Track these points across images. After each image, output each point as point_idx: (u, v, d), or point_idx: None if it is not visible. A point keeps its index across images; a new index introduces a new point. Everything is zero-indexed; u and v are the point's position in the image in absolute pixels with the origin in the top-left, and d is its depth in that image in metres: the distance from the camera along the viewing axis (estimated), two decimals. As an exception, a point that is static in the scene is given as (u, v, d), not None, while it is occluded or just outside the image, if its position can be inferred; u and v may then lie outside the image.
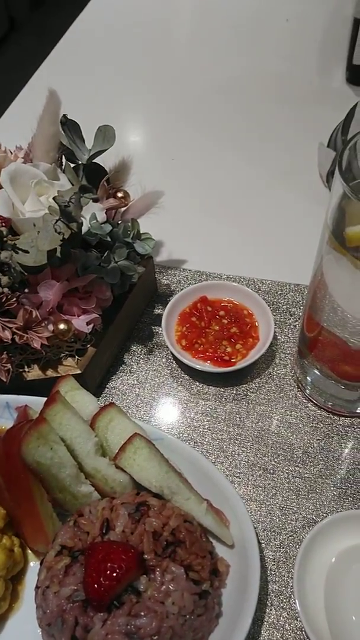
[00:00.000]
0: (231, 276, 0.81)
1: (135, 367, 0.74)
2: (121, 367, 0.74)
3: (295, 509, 0.61)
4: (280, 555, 0.58)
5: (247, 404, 0.69)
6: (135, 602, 0.46)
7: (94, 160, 0.70)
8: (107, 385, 0.72)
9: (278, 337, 0.75)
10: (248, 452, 0.65)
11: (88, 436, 0.56)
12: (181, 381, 0.72)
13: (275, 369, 0.72)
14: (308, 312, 0.62)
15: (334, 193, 0.48)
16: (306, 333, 0.64)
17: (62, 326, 0.63)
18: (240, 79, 1.15)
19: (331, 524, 0.55)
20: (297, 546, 0.58)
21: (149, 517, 0.50)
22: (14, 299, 0.62)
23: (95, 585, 0.45)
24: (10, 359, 0.63)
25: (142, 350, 0.75)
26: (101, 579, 0.45)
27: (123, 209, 0.73)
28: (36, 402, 0.61)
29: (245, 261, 0.84)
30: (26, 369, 0.66)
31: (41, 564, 0.51)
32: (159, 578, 0.47)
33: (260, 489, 0.63)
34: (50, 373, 0.65)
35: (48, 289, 0.63)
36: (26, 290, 0.64)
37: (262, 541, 0.59)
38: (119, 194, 0.72)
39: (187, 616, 0.47)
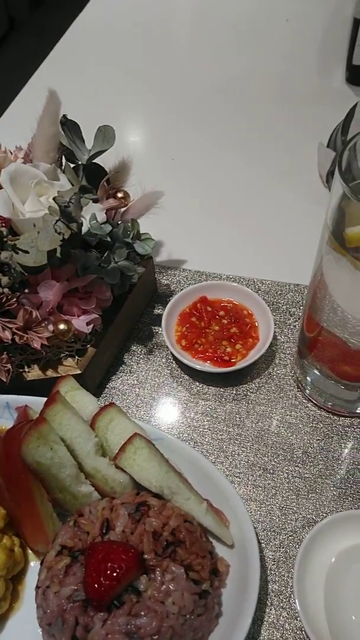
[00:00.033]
0: (231, 276, 0.81)
1: (135, 367, 0.74)
2: (121, 367, 0.74)
3: (295, 509, 0.61)
4: (280, 555, 0.58)
5: (247, 404, 0.69)
6: (135, 602, 0.46)
7: (93, 161, 0.70)
8: (107, 386, 0.72)
9: (278, 337, 0.75)
10: (248, 452, 0.66)
11: (88, 436, 0.56)
12: (181, 381, 0.72)
13: (275, 369, 0.72)
14: (308, 313, 0.62)
15: (333, 193, 0.48)
16: (306, 333, 0.64)
17: (62, 326, 0.63)
18: (240, 79, 1.15)
19: (331, 524, 0.55)
20: (297, 546, 0.58)
21: (149, 517, 0.50)
22: (14, 299, 0.62)
23: (96, 585, 0.45)
24: (11, 359, 0.63)
25: (142, 350, 0.75)
26: (101, 579, 0.45)
27: (123, 209, 0.73)
28: (36, 402, 0.61)
29: (245, 261, 0.84)
30: (26, 369, 0.66)
31: (41, 563, 0.52)
32: (159, 578, 0.48)
33: (260, 489, 0.63)
34: (50, 373, 0.65)
35: (48, 289, 0.64)
36: (26, 291, 0.64)
37: (262, 541, 0.59)
38: (119, 194, 0.72)
39: (187, 616, 0.47)
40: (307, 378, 0.68)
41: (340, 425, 0.67)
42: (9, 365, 0.62)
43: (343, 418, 0.68)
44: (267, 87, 1.13)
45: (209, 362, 0.70)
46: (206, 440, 0.67)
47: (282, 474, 0.64)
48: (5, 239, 0.62)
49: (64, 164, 0.72)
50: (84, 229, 0.65)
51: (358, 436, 0.66)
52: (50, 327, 0.64)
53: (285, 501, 0.62)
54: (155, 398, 0.71)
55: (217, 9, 1.34)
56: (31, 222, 0.63)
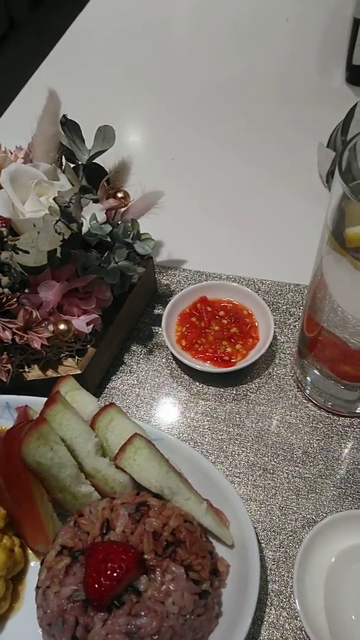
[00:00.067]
0: (231, 276, 0.81)
1: (135, 367, 0.74)
2: (121, 367, 0.74)
3: (295, 508, 0.61)
4: (280, 555, 0.58)
5: (247, 404, 0.69)
6: (135, 602, 0.46)
7: (94, 161, 0.70)
8: (107, 386, 0.72)
9: (278, 337, 0.75)
10: (248, 452, 0.66)
11: (88, 436, 0.56)
12: (181, 381, 0.72)
13: (275, 369, 0.72)
14: (308, 313, 0.62)
15: (333, 194, 0.48)
16: (306, 333, 0.64)
17: (62, 326, 0.63)
18: (240, 79, 1.15)
19: (331, 523, 0.55)
20: (297, 546, 0.58)
21: (149, 517, 0.50)
22: (14, 299, 0.62)
23: (96, 585, 0.45)
24: (11, 359, 0.63)
25: (142, 350, 0.75)
26: (101, 579, 0.45)
27: (123, 210, 0.73)
28: (36, 403, 0.61)
29: (245, 261, 0.84)
30: (26, 369, 0.66)
31: (41, 564, 0.52)
32: (159, 578, 0.48)
33: (260, 489, 0.63)
34: (50, 373, 0.65)
35: (48, 289, 0.64)
36: (26, 291, 0.64)
37: (262, 541, 0.59)
38: (119, 194, 0.72)
39: (187, 616, 0.47)
40: (307, 378, 0.68)
41: (340, 425, 0.67)
42: (9, 366, 0.62)
43: (343, 418, 0.68)
44: (267, 87, 1.13)
45: (209, 362, 0.70)
46: (206, 440, 0.67)
47: (282, 474, 0.64)
48: (5, 239, 0.62)
49: (64, 164, 0.72)
50: (84, 229, 0.65)
51: (358, 436, 0.66)
52: (51, 327, 0.64)
53: (285, 501, 0.62)
54: (155, 398, 0.71)
55: (217, 9, 1.34)
56: (31, 222, 0.63)
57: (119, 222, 0.71)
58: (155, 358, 0.75)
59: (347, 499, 0.62)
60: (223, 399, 0.70)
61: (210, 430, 0.68)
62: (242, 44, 1.24)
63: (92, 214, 0.66)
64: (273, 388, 0.71)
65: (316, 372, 0.65)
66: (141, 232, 0.71)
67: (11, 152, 0.73)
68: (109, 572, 0.45)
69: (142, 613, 0.46)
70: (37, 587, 0.50)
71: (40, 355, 0.65)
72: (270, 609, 0.55)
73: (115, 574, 0.45)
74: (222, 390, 0.71)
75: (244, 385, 0.71)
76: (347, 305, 0.55)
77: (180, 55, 1.25)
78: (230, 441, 0.67)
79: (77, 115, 0.69)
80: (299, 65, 1.16)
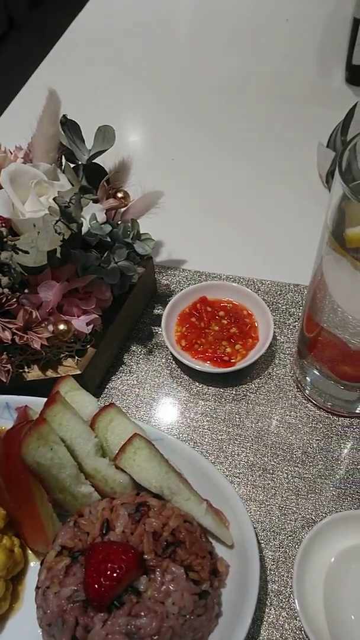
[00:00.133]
0: (231, 276, 0.81)
1: (135, 367, 0.74)
2: (121, 368, 0.74)
3: (294, 509, 0.61)
4: (279, 555, 0.58)
5: (246, 404, 0.70)
6: (135, 602, 0.46)
7: (93, 161, 0.70)
8: (107, 386, 0.72)
9: (277, 338, 0.75)
10: (247, 453, 0.66)
11: (88, 437, 0.56)
12: (181, 381, 0.72)
13: (275, 369, 0.72)
14: (308, 313, 0.62)
15: (333, 194, 0.48)
16: (306, 333, 0.64)
17: (62, 327, 0.63)
18: (240, 79, 1.15)
19: (330, 524, 0.55)
20: (297, 546, 0.58)
21: (149, 517, 0.51)
22: (14, 299, 0.62)
23: (96, 586, 0.45)
24: (10, 359, 0.63)
25: (141, 350, 0.75)
26: (101, 579, 0.45)
27: (123, 210, 0.73)
28: (36, 403, 0.61)
29: (244, 261, 0.84)
30: (26, 370, 0.66)
31: (41, 564, 0.52)
32: (159, 578, 0.48)
33: (260, 489, 0.63)
34: (50, 373, 0.65)
35: (48, 289, 0.64)
36: (26, 291, 0.64)
37: (262, 541, 0.59)
38: (119, 195, 0.72)
39: (187, 616, 0.47)
40: (307, 378, 0.68)
41: (340, 425, 0.67)
42: (8, 366, 0.62)
43: (342, 418, 0.68)
44: (267, 87, 1.13)
45: (208, 362, 0.70)
46: (206, 440, 0.67)
47: (281, 474, 0.64)
48: (5, 239, 0.62)
49: (64, 164, 0.72)
50: (84, 229, 0.65)
51: (357, 436, 0.66)
52: (50, 328, 0.64)
53: (285, 501, 0.62)
54: (155, 398, 0.71)
55: (217, 9, 1.34)
56: (31, 222, 0.63)
57: (119, 222, 0.71)
58: (155, 358, 0.75)
59: (347, 499, 0.62)
60: (223, 399, 0.70)
61: (210, 430, 0.68)
62: (242, 44, 1.24)
63: (92, 214, 0.66)
64: (273, 388, 0.71)
65: (316, 372, 0.65)
66: (141, 232, 0.71)
67: (11, 152, 0.73)
68: (108, 573, 0.45)
69: (142, 613, 0.46)
70: (37, 588, 0.50)
71: (40, 355, 0.65)
72: (270, 609, 0.55)
73: (115, 575, 0.45)
74: (221, 390, 0.71)
75: (243, 386, 0.71)
76: (347, 305, 0.55)
77: (180, 55, 1.25)
78: (230, 441, 0.67)
79: (77, 115, 0.69)
80: (299, 65, 1.16)
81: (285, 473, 0.64)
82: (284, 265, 0.83)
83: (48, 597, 0.48)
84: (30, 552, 0.57)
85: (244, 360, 0.70)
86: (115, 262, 0.67)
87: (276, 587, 0.57)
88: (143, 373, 0.73)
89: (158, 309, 0.79)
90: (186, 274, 0.82)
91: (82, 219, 0.63)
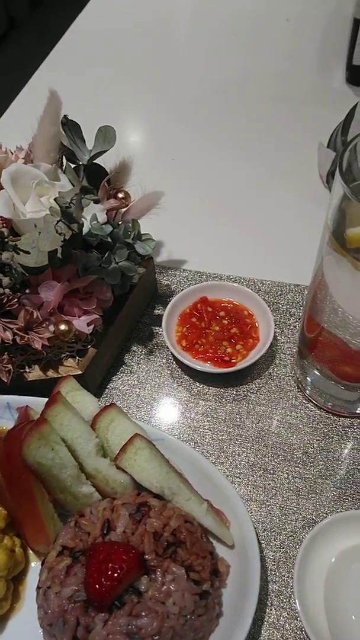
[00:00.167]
0: (231, 277, 0.82)
1: (135, 367, 0.74)
2: (122, 368, 0.74)
3: (295, 509, 0.61)
4: (280, 555, 0.58)
5: (247, 405, 0.70)
6: (136, 603, 0.46)
7: (94, 161, 0.70)
8: (108, 386, 0.72)
9: (278, 338, 0.75)
10: (248, 453, 0.66)
11: (89, 437, 0.56)
12: (181, 382, 0.72)
13: (276, 369, 0.72)
14: (308, 313, 0.62)
15: (334, 194, 0.49)
16: (306, 334, 0.64)
17: (62, 327, 0.63)
18: (240, 79, 1.15)
19: (331, 524, 0.55)
20: (297, 546, 0.58)
21: (150, 517, 0.51)
22: (15, 299, 0.62)
23: (97, 586, 0.45)
24: (11, 359, 0.63)
25: (142, 350, 0.75)
26: (102, 580, 0.45)
27: (124, 210, 0.73)
28: (37, 403, 0.61)
29: (245, 261, 0.84)
30: (27, 370, 0.66)
31: (42, 564, 0.52)
32: (159, 578, 0.48)
33: (261, 489, 0.63)
34: (51, 374, 0.66)
35: (49, 289, 0.64)
36: (27, 291, 0.64)
37: (262, 541, 0.59)
38: (120, 195, 0.72)
39: (188, 616, 0.47)
40: (308, 378, 0.68)
41: (340, 425, 0.67)
42: (9, 366, 0.62)
43: (343, 418, 0.68)
44: (267, 87, 1.13)
45: (209, 362, 0.71)
46: (206, 440, 0.67)
47: (282, 474, 0.64)
48: (6, 240, 0.62)
49: (64, 164, 0.72)
50: (85, 230, 0.65)
51: (358, 436, 0.66)
52: (51, 328, 0.64)
53: (286, 501, 0.62)
54: (155, 398, 0.71)
55: (217, 9, 1.34)
56: (32, 223, 0.63)
57: (120, 223, 0.71)
58: (155, 358, 0.75)
59: (347, 499, 0.62)
60: (223, 400, 0.70)
61: (210, 430, 0.68)
62: (242, 44, 1.25)
63: (93, 215, 0.66)
64: (273, 388, 0.71)
65: (316, 372, 0.66)
66: (142, 232, 0.71)
67: (12, 152, 0.73)
68: (109, 573, 0.45)
69: (143, 613, 0.46)
70: (38, 588, 0.50)
71: (41, 355, 0.65)
72: (271, 609, 0.55)
73: (116, 575, 0.45)
74: (222, 390, 0.71)
75: (244, 386, 0.71)
76: (347, 305, 0.55)
77: (180, 55, 1.25)
78: (231, 441, 0.67)
79: (77, 116, 0.69)
80: (299, 66, 1.17)
81: (286, 473, 0.64)
82: (285, 266, 0.83)
83: (49, 597, 0.48)
84: (31, 552, 0.57)
85: (244, 360, 0.70)
86: (116, 262, 0.67)
87: (277, 588, 0.57)
88: (144, 373, 0.73)
89: (159, 309, 0.79)
90: (187, 274, 0.82)
91: (83, 219, 0.63)
